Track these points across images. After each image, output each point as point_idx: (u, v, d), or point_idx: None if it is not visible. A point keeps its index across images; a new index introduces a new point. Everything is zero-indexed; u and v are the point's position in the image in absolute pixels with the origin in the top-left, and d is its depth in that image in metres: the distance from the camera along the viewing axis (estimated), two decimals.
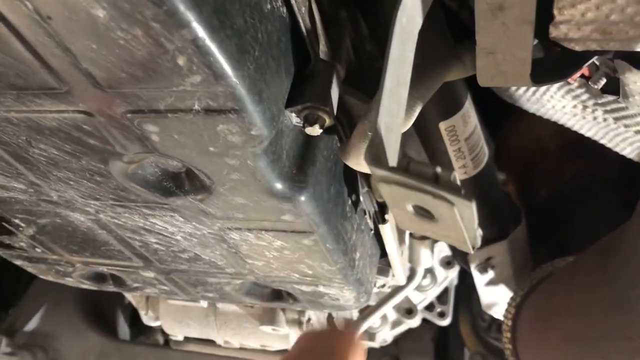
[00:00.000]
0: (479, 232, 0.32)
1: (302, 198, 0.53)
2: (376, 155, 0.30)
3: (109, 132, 0.47)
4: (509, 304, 0.77)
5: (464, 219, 0.29)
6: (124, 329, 1.53)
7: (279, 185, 0.52)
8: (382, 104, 0.32)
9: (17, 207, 0.66)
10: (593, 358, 0.53)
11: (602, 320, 0.51)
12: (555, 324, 0.59)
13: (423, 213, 0.31)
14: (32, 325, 1.53)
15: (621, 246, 0.49)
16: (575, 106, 0.74)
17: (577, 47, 0.47)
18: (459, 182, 0.29)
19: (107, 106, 0.43)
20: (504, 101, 0.78)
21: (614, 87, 0.57)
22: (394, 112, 0.34)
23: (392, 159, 0.32)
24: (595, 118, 0.74)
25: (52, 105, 0.45)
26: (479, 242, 0.33)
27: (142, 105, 0.42)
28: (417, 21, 0.39)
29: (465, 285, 1.26)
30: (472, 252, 0.34)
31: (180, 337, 1.24)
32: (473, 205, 0.28)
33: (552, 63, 0.50)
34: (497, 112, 0.93)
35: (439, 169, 0.29)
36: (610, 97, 0.61)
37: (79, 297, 1.49)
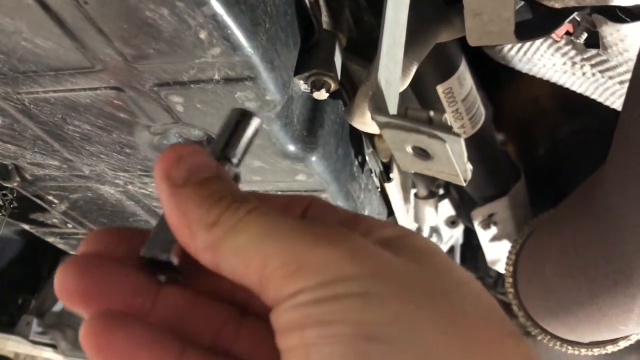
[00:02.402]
0: (469, 166, 0.37)
1: (313, 158, 0.58)
2: (378, 105, 0.36)
3: (138, 106, 0.52)
4: (510, 252, 0.82)
5: (454, 154, 0.34)
6: None
7: (292, 147, 0.57)
8: (381, 62, 0.37)
9: (51, 184, 0.72)
10: (583, 286, 0.59)
11: (589, 248, 0.56)
12: (548, 259, 0.64)
13: (420, 153, 0.37)
14: (59, 306, 1.59)
15: (603, 179, 0.54)
16: (564, 63, 0.78)
17: (557, 5, 0.51)
18: (449, 123, 0.34)
19: (137, 81, 0.48)
20: (500, 66, 0.83)
21: (595, 41, 0.62)
22: (392, 68, 0.39)
23: (392, 108, 0.37)
24: (584, 74, 0.78)
25: (87, 83, 0.50)
26: (469, 175, 0.38)
27: (168, 78, 0.48)
28: None
29: (471, 244, 1.32)
30: (464, 184, 0.39)
31: None
32: (462, 140, 0.33)
33: (535, 21, 0.54)
34: (493, 77, 0.97)
35: (431, 113, 0.34)
36: (594, 51, 0.65)
37: None
